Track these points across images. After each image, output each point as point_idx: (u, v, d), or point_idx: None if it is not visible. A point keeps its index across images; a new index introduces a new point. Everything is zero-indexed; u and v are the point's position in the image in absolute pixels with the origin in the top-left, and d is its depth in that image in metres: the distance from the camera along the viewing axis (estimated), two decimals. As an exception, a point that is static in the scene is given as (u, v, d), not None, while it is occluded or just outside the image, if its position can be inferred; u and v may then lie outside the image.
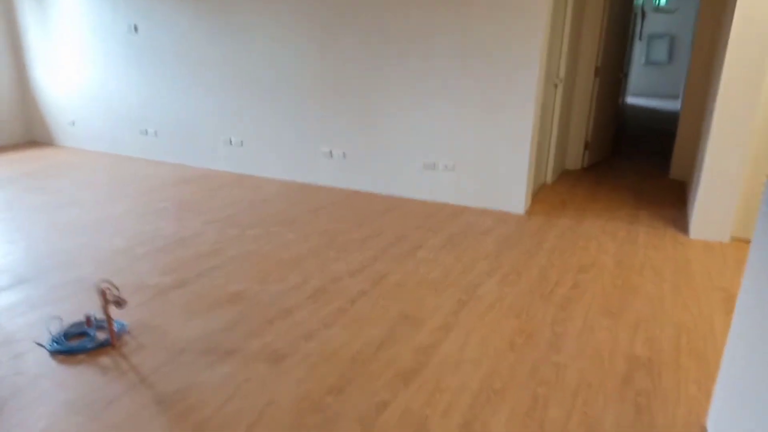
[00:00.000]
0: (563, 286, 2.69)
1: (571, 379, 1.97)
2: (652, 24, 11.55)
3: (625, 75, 5.69)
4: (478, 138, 3.84)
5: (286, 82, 4.41)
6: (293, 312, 2.43)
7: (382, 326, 2.32)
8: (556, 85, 4.37)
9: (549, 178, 4.65)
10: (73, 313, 2.38)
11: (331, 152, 4.41)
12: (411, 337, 2.24)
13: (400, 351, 2.14)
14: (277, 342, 2.20)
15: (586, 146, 5.14)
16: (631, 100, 11.04)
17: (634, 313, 2.42)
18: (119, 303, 2.17)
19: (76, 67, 5.36)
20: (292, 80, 4.38)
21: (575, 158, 5.17)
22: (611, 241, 3.30)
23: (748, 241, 3.26)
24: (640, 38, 11.25)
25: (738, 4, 2.92)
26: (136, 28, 4.90)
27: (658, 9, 11.41)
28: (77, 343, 2.14)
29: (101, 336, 2.21)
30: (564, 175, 4.92)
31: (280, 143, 4.61)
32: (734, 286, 2.68)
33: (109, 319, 2.14)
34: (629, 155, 5.84)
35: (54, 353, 2.10)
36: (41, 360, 2.06)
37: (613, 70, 5.31)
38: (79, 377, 1.96)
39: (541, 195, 4.28)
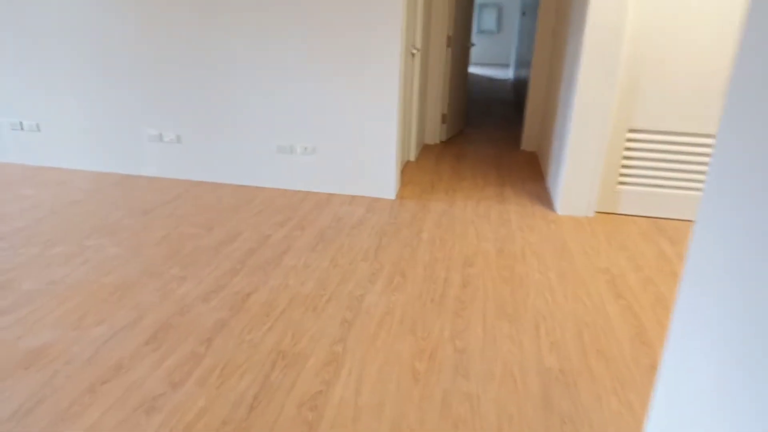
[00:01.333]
0: (452, 285, 2.42)
1: (488, 412, 1.69)
2: (483, -6, 12.00)
3: (472, 44, 5.65)
4: (340, 116, 3.39)
5: (96, 51, 3.46)
6: (125, 369, 1.80)
7: (251, 374, 1.81)
8: (413, 55, 4.07)
9: (412, 155, 4.40)
10: None
11: (161, 135, 3.61)
12: (292, 384, 1.77)
13: (280, 409, 1.66)
14: (104, 424, 1.57)
15: (444, 119, 4.99)
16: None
17: (531, 311, 2.24)
18: None
19: None
20: (105, 49, 3.45)
21: (433, 132, 5.00)
22: (487, 224, 3.14)
23: (609, 214, 3.33)
24: (473, 7, 11.60)
25: (599, -26, 2.84)
26: None
27: (488, -21, 11.85)
28: None
29: None
30: (425, 151, 4.72)
31: (91, 125, 3.66)
32: (613, 265, 2.65)
33: None
34: (479, 125, 5.88)
35: None
36: None
37: (463, 40, 5.20)
38: None
39: (408, 175, 4.01)
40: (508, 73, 10.97)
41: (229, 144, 3.57)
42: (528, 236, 2.98)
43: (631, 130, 3.18)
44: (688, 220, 3.27)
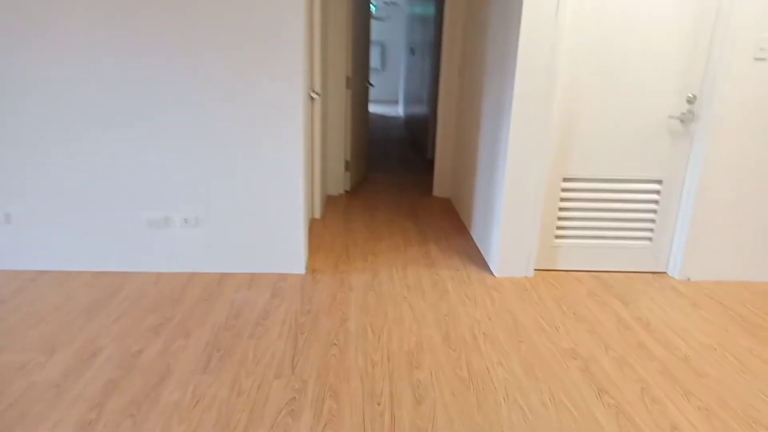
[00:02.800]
0: (402, 403, 1.84)
1: None
2: (366, 32, 11.90)
3: (371, 85, 5.27)
4: (230, 177, 2.71)
5: None
6: None
7: None
8: (313, 99, 3.52)
9: (318, 212, 3.80)
10: None
11: (-21, 214, 2.67)
12: None
13: None
14: None
15: (347, 166, 4.47)
16: (357, 106, 11.15)
17: None
18: None
19: None
20: None
21: (337, 182, 4.45)
22: (421, 299, 2.61)
23: (548, 271, 2.98)
24: (357, 45, 11.44)
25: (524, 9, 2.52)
26: None
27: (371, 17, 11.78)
28: None
29: None
30: (331, 205, 4.15)
31: None
32: (579, 345, 2.25)
33: None
34: (381, 169, 5.44)
35: None
36: None
37: (361, 80, 4.76)
38: None
39: (316, 238, 3.39)
40: (398, 110, 10.85)
41: (80, 219, 2.72)
42: (472, 311, 2.50)
43: (566, 179, 2.88)
44: (629, 272, 3.02)
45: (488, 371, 2.03)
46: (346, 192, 4.54)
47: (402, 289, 2.71)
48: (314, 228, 3.59)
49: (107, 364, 1.99)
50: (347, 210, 4.03)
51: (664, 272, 3.02)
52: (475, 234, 3.42)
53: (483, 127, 3.28)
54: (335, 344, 2.18)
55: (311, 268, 2.93)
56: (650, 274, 3.00)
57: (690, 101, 2.74)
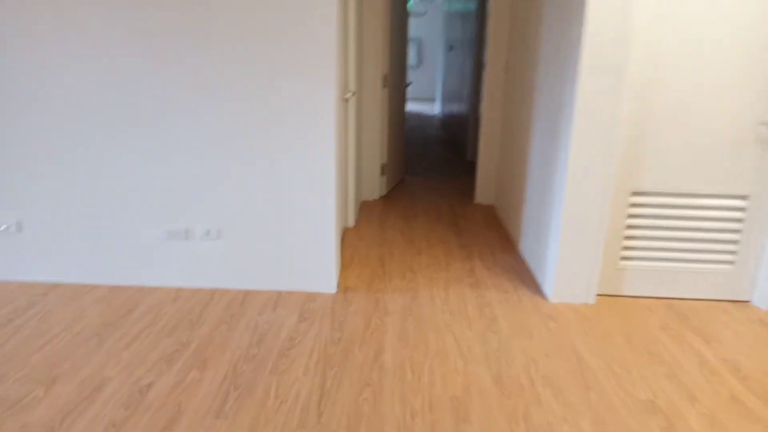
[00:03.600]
0: (448, 465, 1.53)
1: None
2: (403, 27, 11.58)
3: (408, 83, 4.97)
4: (256, 186, 2.45)
5: None
6: None
7: None
8: (347, 100, 3.24)
9: (351, 220, 3.52)
10: None
11: (-10, 222, 2.49)
12: None
13: None
14: None
15: (383, 170, 4.18)
16: (393, 103, 10.86)
17: None
18: None
19: None
20: None
21: (372, 186, 4.16)
22: (467, 327, 2.30)
23: (612, 297, 2.61)
24: (394, 41, 11.14)
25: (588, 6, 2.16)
26: None
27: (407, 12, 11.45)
28: None
29: None
30: (365, 211, 3.86)
31: None
32: (658, 396, 1.89)
33: None
34: (418, 171, 5.13)
35: None
36: None
37: (399, 78, 4.46)
38: None
39: (349, 249, 3.11)
40: (434, 108, 10.50)
41: (95, 229, 2.51)
42: (527, 346, 2.17)
43: (635, 193, 2.51)
44: (705, 299, 2.63)
45: (551, 428, 1.70)
46: (382, 197, 4.25)
47: (444, 315, 2.40)
48: (347, 238, 3.31)
49: (111, 401, 1.75)
50: (383, 217, 3.74)
51: (747, 301, 2.62)
52: (526, 250, 3.07)
53: (535, 130, 2.93)
54: (368, 385, 1.89)
55: (343, 285, 2.64)
56: (731, 303, 2.60)
57: (790, 104, 2.33)
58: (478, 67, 5.08)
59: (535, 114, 2.97)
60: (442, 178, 4.93)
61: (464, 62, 6.08)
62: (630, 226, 2.55)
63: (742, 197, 2.48)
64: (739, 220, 2.52)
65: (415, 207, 4.02)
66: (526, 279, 2.82)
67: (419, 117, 9.18)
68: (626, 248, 2.58)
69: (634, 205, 2.52)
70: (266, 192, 2.45)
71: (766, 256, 2.53)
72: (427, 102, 11.50)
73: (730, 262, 2.58)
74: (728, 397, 1.88)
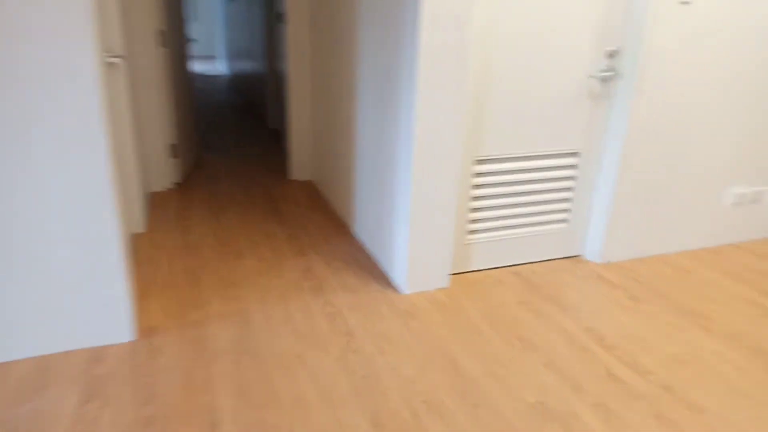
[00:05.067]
0: None
1: None
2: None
3: (189, 40, 4.08)
4: (-29, 212, 1.57)
5: None
6: None
7: None
8: (112, 65, 2.38)
9: (140, 224, 2.72)
10: None
11: None
12: None
13: None
14: None
15: (174, 151, 3.36)
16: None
17: None
18: None
19: None
20: None
21: (161, 174, 3.33)
22: (323, 353, 1.84)
23: (462, 275, 2.41)
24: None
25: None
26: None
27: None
28: None
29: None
30: (156, 207, 3.05)
31: None
32: (544, 391, 1.70)
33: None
34: (217, 147, 4.37)
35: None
36: None
37: (178, 35, 3.60)
38: None
39: (143, 266, 2.35)
40: (218, 67, 9.43)
41: None
42: (396, 362, 1.81)
43: (478, 161, 2.28)
44: (546, 260, 2.59)
45: (455, 476, 1.37)
46: (178, 185, 3.45)
47: (290, 340, 1.90)
48: (138, 249, 2.53)
49: None
50: (183, 213, 3.00)
51: (580, 256, 2.66)
52: (363, 233, 2.70)
53: (361, 93, 2.51)
54: (211, 486, 1.32)
55: (144, 327, 1.94)
56: (568, 261, 2.61)
57: (612, 55, 2.29)
58: (272, 18, 4.43)
59: (359, 74, 2.54)
60: (245, 153, 4.26)
61: (252, 13, 5.33)
62: (475, 197, 2.34)
63: (574, 154, 2.44)
64: (571, 178, 2.48)
65: (220, 194, 3.34)
66: (372, 269, 2.46)
67: (203, 79, 8.10)
68: (473, 221, 2.37)
69: (478, 174, 2.30)
70: (8, 206, 1.59)
71: (594, 211, 2.56)
72: (207, 60, 10.30)
73: (566, 221, 2.56)
74: (605, 375, 1.79)
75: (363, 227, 2.69)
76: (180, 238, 2.68)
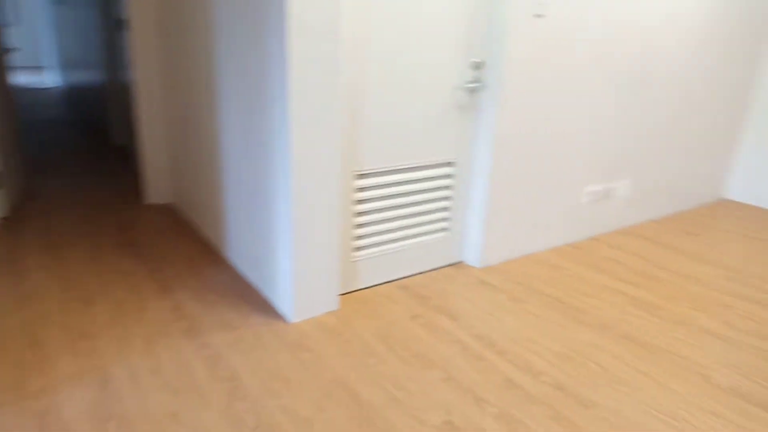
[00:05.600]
0: None
1: None
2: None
3: (8, 49, 3.44)
4: None
5: None
6: None
7: None
8: None
9: (-49, 276, 2.20)
10: None
11: None
12: None
13: None
14: None
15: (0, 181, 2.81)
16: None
17: None
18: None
19: None
20: None
21: (-20, 208, 2.76)
22: (204, 409, 1.60)
23: (351, 294, 2.29)
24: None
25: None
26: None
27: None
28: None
29: None
30: (-25, 251, 2.51)
31: None
32: (447, 408, 1.65)
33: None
34: (49, 171, 3.78)
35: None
36: None
37: (-10, 40, 3.02)
38: None
39: (-43, 330, 1.88)
40: (47, 79, 8.32)
41: None
42: (291, 405, 1.64)
43: (359, 176, 2.19)
44: (430, 270, 2.59)
45: None
46: (4, 220, 2.89)
47: (162, 397, 1.63)
48: (-48, 307, 2.03)
49: None
50: (13, 254, 2.50)
51: (462, 262, 2.70)
52: (238, 257, 2.47)
53: (225, 107, 2.29)
54: None
55: (-35, 409, 1.54)
56: (451, 268, 2.63)
57: (477, 67, 2.35)
58: (112, 24, 3.94)
59: (221, 83, 2.31)
60: (87, 176, 3.74)
61: (86, 17, 4.73)
62: (358, 213, 2.24)
63: (449, 164, 2.46)
64: (448, 188, 2.50)
65: (61, 227, 2.86)
66: (252, 299, 2.24)
67: (29, 93, 7.06)
68: (358, 237, 2.28)
69: (359, 189, 2.21)
70: None
71: (472, 217, 2.61)
72: (34, 71, 9.06)
73: (446, 229, 2.57)
74: (503, 383, 1.79)
75: (238, 252, 2.46)
76: (11, 287, 2.22)
